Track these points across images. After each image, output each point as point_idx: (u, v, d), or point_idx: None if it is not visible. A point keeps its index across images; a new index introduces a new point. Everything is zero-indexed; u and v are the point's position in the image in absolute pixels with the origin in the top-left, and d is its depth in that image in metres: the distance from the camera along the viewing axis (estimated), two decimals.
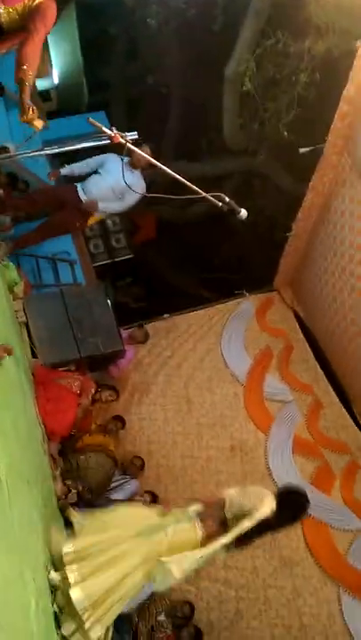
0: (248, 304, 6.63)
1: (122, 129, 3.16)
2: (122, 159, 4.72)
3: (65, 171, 4.90)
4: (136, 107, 10.95)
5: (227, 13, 7.31)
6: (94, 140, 3.26)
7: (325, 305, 5.84)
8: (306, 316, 6.52)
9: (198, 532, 2.74)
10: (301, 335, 6.47)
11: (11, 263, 4.89)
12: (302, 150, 5.19)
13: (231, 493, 2.88)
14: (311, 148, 5.11)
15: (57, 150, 3.37)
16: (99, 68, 11.59)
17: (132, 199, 5.08)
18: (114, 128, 3.13)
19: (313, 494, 5.35)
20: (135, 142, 3.28)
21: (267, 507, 2.75)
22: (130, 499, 4.92)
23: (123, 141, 3.17)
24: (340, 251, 5.31)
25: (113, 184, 4.97)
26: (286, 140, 7.16)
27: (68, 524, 3.82)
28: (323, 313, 5.96)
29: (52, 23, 2.72)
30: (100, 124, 3.09)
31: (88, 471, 4.54)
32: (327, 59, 6.67)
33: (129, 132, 3.22)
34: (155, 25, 7.68)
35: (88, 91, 13.10)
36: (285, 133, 7.07)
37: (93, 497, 4.43)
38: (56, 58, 11.57)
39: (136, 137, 3.25)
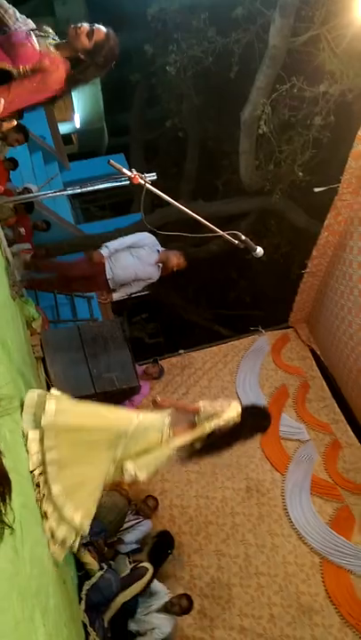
0: (263, 341, 6.61)
1: (140, 171, 3.25)
2: (158, 250, 4.89)
3: (105, 251, 4.88)
4: (154, 149, 11.32)
5: (243, 61, 7.59)
6: (114, 181, 3.35)
7: (342, 342, 5.79)
8: (322, 354, 6.45)
9: (166, 425, 2.93)
10: (318, 373, 6.39)
11: (30, 299, 4.98)
12: (317, 190, 5.27)
13: (203, 403, 3.09)
14: (326, 187, 5.19)
15: (78, 191, 3.47)
16: (119, 112, 12.08)
17: (143, 284, 5.09)
18: (133, 169, 3.23)
19: (332, 538, 5.17)
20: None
21: (233, 410, 2.99)
22: (143, 540, 4.81)
23: (142, 182, 3.26)
24: (357, 288, 5.30)
25: (139, 271, 4.92)
26: (301, 180, 7.29)
27: (80, 566, 3.76)
28: (339, 350, 5.90)
29: (55, 85, 2.76)
30: (119, 166, 3.19)
31: (101, 510, 4.45)
32: (341, 102, 6.86)
33: (148, 173, 3.32)
34: (173, 72, 7.99)
35: (108, 134, 13.60)
36: (300, 174, 7.21)
37: (107, 537, 4.34)
38: (78, 103, 12.10)
39: (155, 178, 3.34)
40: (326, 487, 5.54)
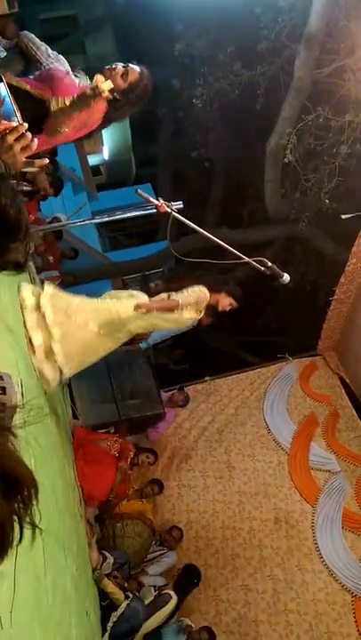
0: (291, 368, 6.51)
1: (167, 200, 3.30)
2: None
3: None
4: (181, 179, 11.53)
5: (268, 93, 7.73)
6: (141, 210, 3.41)
7: None
8: (352, 382, 6.31)
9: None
10: (348, 402, 6.24)
11: None
12: (344, 217, 5.25)
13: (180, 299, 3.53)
14: (354, 214, 5.17)
15: (105, 219, 3.54)
16: (146, 144, 12.39)
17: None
18: (160, 198, 3.28)
19: None
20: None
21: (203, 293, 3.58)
22: (167, 572, 4.70)
23: (168, 210, 3.31)
24: None
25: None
26: (328, 208, 7.28)
27: (104, 596, 3.68)
28: None
29: (94, 123, 2.83)
30: (146, 195, 3.25)
31: (125, 540, 4.39)
32: None
33: (174, 202, 3.37)
34: (200, 105, 8.18)
35: (136, 165, 13.94)
36: (327, 201, 7.21)
37: (130, 568, 4.26)
38: (106, 135, 12.47)
39: (181, 206, 3.39)
40: (359, 521, 5.33)
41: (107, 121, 2.84)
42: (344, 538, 5.20)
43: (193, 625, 4.25)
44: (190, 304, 3.56)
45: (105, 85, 2.59)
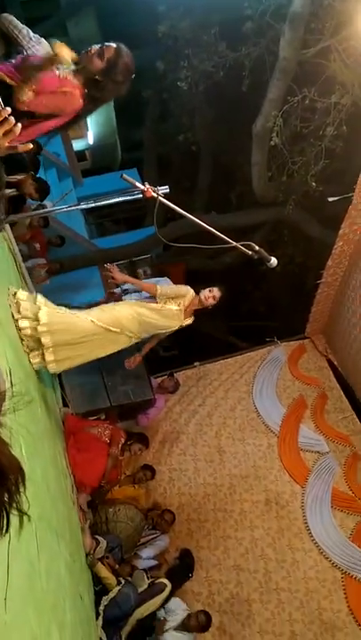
0: (280, 352, 6.56)
1: (154, 185, 3.27)
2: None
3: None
4: (167, 163, 11.41)
5: (254, 74, 7.64)
6: (127, 195, 3.38)
7: (360, 352, 5.71)
8: (340, 364, 6.38)
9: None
10: (336, 384, 6.31)
11: None
12: (331, 199, 5.25)
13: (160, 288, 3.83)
14: (340, 197, 5.17)
15: (91, 205, 3.50)
16: (131, 128, 12.23)
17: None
18: (146, 183, 3.25)
19: (354, 553, 5.05)
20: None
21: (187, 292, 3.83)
22: (160, 556, 4.76)
23: (155, 195, 3.28)
24: None
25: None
26: (315, 191, 7.27)
27: (97, 580, 3.72)
28: (358, 360, 5.83)
29: (71, 111, 2.77)
30: (132, 180, 3.22)
31: (117, 525, 4.43)
32: (353, 112, 6.85)
33: (161, 186, 3.34)
34: (185, 87, 8.07)
35: (121, 150, 13.77)
36: (314, 184, 7.19)
37: (122, 552, 4.31)
38: (91, 120, 12.28)
39: (167, 190, 3.36)
40: (347, 500, 5.43)
41: (92, 103, 2.79)
42: (333, 517, 5.30)
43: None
44: (169, 295, 3.76)
45: (65, 53, 2.51)
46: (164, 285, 3.79)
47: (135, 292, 5.34)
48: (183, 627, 4.25)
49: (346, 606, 4.83)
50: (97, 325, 3.47)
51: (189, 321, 3.90)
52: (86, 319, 3.46)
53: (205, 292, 3.86)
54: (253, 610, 4.83)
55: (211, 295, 3.84)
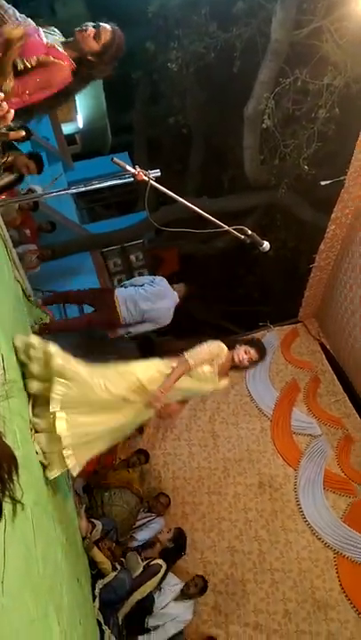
0: (272, 336, 6.57)
1: (145, 168, 3.23)
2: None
3: (121, 293, 5.16)
4: (158, 147, 11.29)
5: (245, 55, 7.54)
6: (118, 179, 3.34)
7: (352, 336, 5.74)
8: (333, 348, 6.41)
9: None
10: (328, 367, 6.35)
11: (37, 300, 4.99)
12: (324, 183, 5.22)
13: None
14: (332, 180, 5.14)
15: (82, 189, 3.46)
16: (122, 111, 12.07)
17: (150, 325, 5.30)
18: (137, 166, 3.21)
19: (346, 533, 5.14)
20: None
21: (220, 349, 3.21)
22: (154, 538, 4.82)
23: (146, 179, 3.24)
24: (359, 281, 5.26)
25: (148, 309, 5.12)
26: (307, 174, 7.23)
27: (92, 565, 3.76)
28: (350, 344, 5.86)
29: (60, 82, 2.72)
30: (123, 163, 3.18)
31: (113, 508, 4.47)
32: (346, 94, 6.79)
33: (152, 170, 3.30)
34: (175, 69, 7.95)
35: (111, 133, 13.60)
36: (306, 167, 7.15)
37: (118, 535, 4.35)
38: (80, 103, 12.10)
39: (159, 174, 3.32)
40: (340, 482, 5.51)
41: (81, 81, 2.76)
42: (326, 498, 5.37)
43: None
44: (204, 360, 3.15)
45: (16, 32, 2.44)
46: (193, 352, 3.14)
47: (132, 285, 5.38)
48: (183, 596, 4.37)
49: (338, 585, 4.93)
50: (114, 394, 2.88)
51: (225, 382, 3.32)
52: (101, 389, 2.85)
53: (241, 353, 3.25)
54: (248, 590, 4.91)
55: (247, 357, 3.25)
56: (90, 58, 2.65)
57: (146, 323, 5.18)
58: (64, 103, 2.93)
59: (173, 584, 4.47)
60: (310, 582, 4.93)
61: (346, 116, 6.81)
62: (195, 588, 4.46)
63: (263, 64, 6.99)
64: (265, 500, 5.41)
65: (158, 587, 4.27)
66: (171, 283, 5.37)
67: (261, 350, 3.33)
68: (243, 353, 3.24)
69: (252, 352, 3.26)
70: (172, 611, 4.26)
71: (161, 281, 5.29)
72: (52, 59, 2.57)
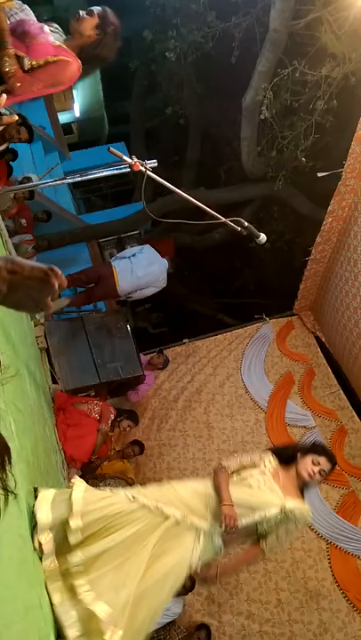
0: (268, 328, 6.59)
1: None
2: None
3: (118, 265, 5.41)
4: (156, 137, 11.22)
5: (244, 45, 7.48)
6: (114, 169, 3.32)
7: (347, 329, 5.76)
8: (328, 340, 6.44)
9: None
10: (323, 360, 6.38)
11: None
12: (321, 175, 5.21)
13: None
14: (330, 172, 5.13)
15: (78, 179, 3.44)
16: (119, 101, 11.98)
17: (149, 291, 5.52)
18: (134, 156, 3.20)
19: (339, 524, 5.19)
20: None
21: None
22: None
23: (142, 169, 3.23)
24: (355, 274, 5.27)
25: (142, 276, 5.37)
26: (305, 166, 7.21)
27: None
28: (345, 336, 5.88)
29: (69, 80, 2.73)
30: (120, 153, 3.15)
31: None
32: (344, 85, 6.75)
33: (148, 160, 3.28)
34: (173, 58, 7.88)
35: (109, 123, 13.50)
36: (303, 159, 7.12)
37: None
38: (77, 93, 11.99)
39: (155, 164, 3.31)
40: (333, 473, 5.53)
41: (91, 63, 2.75)
42: (319, 489, 5.40)
43: None
44: (243, 464, 2.69)
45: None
46: (232, 460, 2.70)
47: (124, 257, 5.50)
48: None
49: (330, 575, 4.98)
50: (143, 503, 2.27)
51: (300, 504, 2.57)
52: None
53: (308, 466, 2.61)
54: (241, 580, 4.95)
55: (317, 469, 2.60)
56: (92, 35, 2.64)
57: (146, 288, 5.44)
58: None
59: None
60: (303, 572, 4.98)
61: (344, 108, 6.78)
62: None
63: (262, 54, 6.93)
64: None
65: None
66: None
67: (330, 457, 2.69)
68: (310, 465, 2.60)
69: (322, 460, 2.62)
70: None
71: (149, 249, 5.57)
72: (60, 58, 2.57)
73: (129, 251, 5.74)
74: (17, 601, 1.57)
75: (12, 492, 0.76)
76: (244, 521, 2.44)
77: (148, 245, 5.71)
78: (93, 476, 4.67)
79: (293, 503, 2.54)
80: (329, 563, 5.03)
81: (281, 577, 4.96)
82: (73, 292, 6.81)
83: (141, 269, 5.30)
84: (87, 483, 4.35)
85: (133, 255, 5.46)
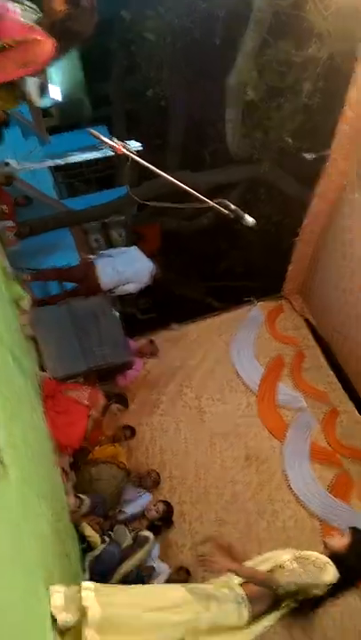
0: (257, 312, 6.58)
1: (123, 141, 3.15)
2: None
3: (99, 262, 5.60)
4: (137, 119, 11.04)
5: (227, 25, 7.34)
6: (96, 152, 3.26)
7: (336, 310, 5.78)
8: (317, 322, 6.45)
9: (244, 616, 2.35)
10: (313, 342, 6.40)
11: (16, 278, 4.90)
12: (308, 156, 5.17)
13: (287, 571, 2.47)
14: (317, 154, 5.10)
15: (59, 162, 3.37)
16: (99, 82, 11.73)
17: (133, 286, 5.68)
18: (116, 139, 3.13)
19: (331, 503, 5.25)
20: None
21: (328, 577, 2.47)
22: (142, 512, 4.87)
23: (125, 151, 3.17)
24: (349, 254, 5.27)
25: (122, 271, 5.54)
26: (291, 147, 7.14)
27: (82, 538, 3.79)
28: (334, 318, 5.90)
29: (44, 59, 2.63)
30: (100, 135, 3.09)
31: (100, 483, 4.49)
32: (330, 65, 6.67)
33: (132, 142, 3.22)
34: (153, 39, 7.73)
35: (89, 105, 13.23)
36: (290, 141, 7.05)
37: (106, 509, 4.38)
38: (56, 74, 11.70)
39: (140, 148, 3.25)
40: (325, 454, 5.60)
41: (70, 37, 2.65)
42: (312, 469, 5.47)
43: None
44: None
45: None
46: (290, 575, 2.47)
47: (110, 256, 5.55)
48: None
49: (324, 553, 5.03)
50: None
51: None
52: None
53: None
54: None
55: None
56: (63, 10, 2.54)
57: (128, 284, 5.58)
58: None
59: (164, 568, 4.56)
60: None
61: (330, 89, 6.70)
62: (178, 582, 4.51)
63: (246, 34, 6.81)
64: (252, 473, 5.49)
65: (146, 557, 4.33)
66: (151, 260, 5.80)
67: None
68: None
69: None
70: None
71: (135, 249, 5.77)
72: (30, 37, 2.47)
73: (115, 250, 5.99)
74: (14, 590, 1.55)
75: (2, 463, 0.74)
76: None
77: (134, 247, 5.92)
78: (85, 461, 4.66)
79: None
80: (324, 544, 5.08)
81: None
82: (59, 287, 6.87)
83: (122, 265, 5.48)
84: (79, 468, 4.34)
85: (117, 254, 5.72)
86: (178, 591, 2.38)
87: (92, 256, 5.89)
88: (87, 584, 2.23)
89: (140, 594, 2.35)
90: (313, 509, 5.22)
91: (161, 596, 2.36)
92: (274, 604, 2.42)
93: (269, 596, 2.40)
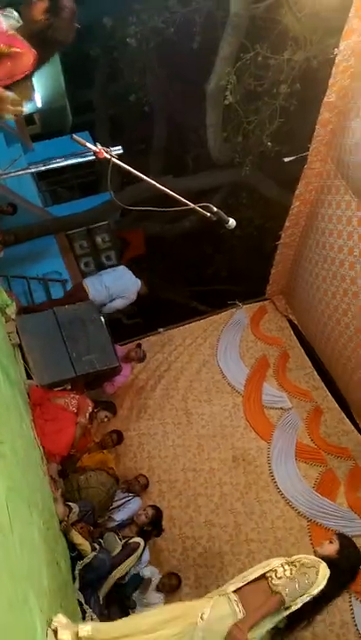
0: (242, 314, 6.64)
1: (106, 146, 3.16)
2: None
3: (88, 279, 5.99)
4: (120, 125, 11.07)
5: (205, 30, 7.42)
6: (78, 157, 3.26)
7: (319, 311, 5.85)
8: (300, 323, 6.53)
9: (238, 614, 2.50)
10: (297, 342, 6.47)
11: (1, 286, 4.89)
12: (287, 159, 5.24)
13: (280, 576, 2.61)
14: (295, 156, 5.17)
15: (42, 168, 3.36)
16: (81, 89, 11.74)
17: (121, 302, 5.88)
18: (98, 144, 3.14)
19: (318, 501, 5.31)
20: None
21: (321, 572, 2.62)
22: (132, 517, 4.87)
23: (107, 156, 3.18)
24: (330, 256, 5.34)
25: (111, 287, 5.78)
26: (271, 151, 7.23)
27: (71, 546, 3.78)
28: (317, 319, 5.97)
29: (24, 69, 2.61)
30: (83, 140, 3.09)
31: (89, 491, 4.49)
32: (307, 69, 6.78)
33: (113, 147, 3.23)
34: (135, 45, 7.77)
35: (72, 112, 13.23)
36: (269, 144, 7.14)
37: (96, 516, 4.38)
38: (38, 82, 11.69)
39: (121, 151, 3.26)
40: (310, 452, 5.67)
41: (48, 47, 2.64)
42: (298, 468, 5.52)
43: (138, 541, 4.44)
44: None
45: None
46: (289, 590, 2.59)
47: (99, 275, 5.77)
48: (157, 589, 4.58)
49: (312, 552, 5.06)
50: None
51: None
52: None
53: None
54: (225, 561, 5.04)
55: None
56: (42, 19, 2.53)
57: (115, 300, 5.76)
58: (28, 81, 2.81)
59: (154, 573, 4.59)
60: (285, 550, 5.08)
61: (307, 92, 6.81)
62: (169, 587, 4.64)
63: (223, 39, 6.88)
64: (239, 474, 5.53)
65: (137, 563, 4.34)
66: (135, 266, 6.22)
67: None
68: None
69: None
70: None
71: (123, 268, 6.10)
72: (13, 49, 2.46)
73: (104, 271, 6.33)
74: (1, 597, 1.56)
75: None
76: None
77: (122, 266, 6.27)
78: (74, 469, 4.65)
79: None
80: (310, 540, 5.15)
81: (264, 556, 5.05)
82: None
83: (110, 280, 5.77)
84: (68, 476, 4.34)
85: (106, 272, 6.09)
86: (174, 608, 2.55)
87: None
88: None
89: (136, 619, 2.54)
90: (300, 508, 5.28)
91: (154, 617, 2.51)
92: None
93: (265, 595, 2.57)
